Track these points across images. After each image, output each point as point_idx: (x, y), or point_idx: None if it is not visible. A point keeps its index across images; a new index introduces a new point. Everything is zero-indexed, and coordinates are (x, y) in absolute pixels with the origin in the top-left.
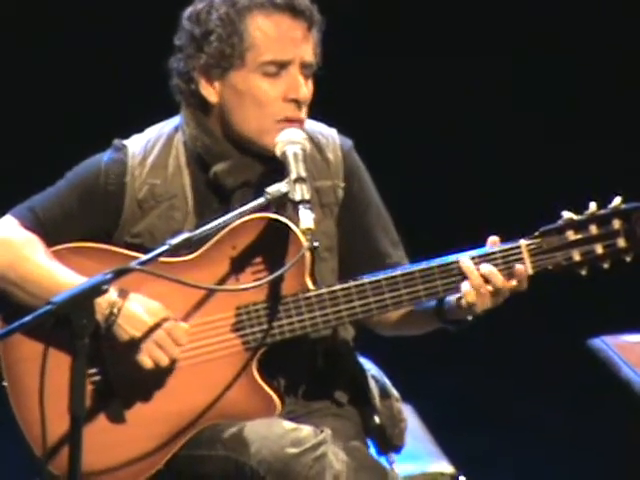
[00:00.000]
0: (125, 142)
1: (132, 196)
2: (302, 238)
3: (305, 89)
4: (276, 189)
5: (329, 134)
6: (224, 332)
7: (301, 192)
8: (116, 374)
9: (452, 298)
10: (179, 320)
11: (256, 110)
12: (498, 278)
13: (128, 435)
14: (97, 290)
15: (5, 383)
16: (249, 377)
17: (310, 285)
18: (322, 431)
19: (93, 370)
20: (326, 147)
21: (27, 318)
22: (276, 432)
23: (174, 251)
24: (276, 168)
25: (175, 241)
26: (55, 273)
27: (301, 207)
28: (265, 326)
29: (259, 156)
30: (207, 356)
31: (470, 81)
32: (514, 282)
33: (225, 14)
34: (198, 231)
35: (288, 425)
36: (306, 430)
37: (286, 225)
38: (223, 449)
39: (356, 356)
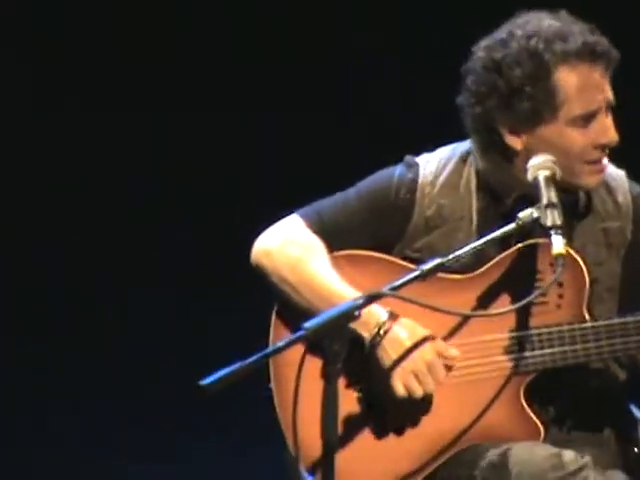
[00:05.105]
0: (417, 160)
1: (420, 213)
2: (583, 268)
3: (614, 132)
4: (528, 214)
5: (619, 176)
6: (494, 354)
7: (552, 218)
8: (379, 390)
9: None
10: (447, 336)
11: (564, 157)
12: None
13: (387, 450)
14: (349, 316)
15: (271, 385)
16: (515, 401)
17: (587, 316)
18: (583, 457)
19: (359, 382)
20: (616, 189)
21: (281, 344)
22: (538, 455)
23: (426, 277)
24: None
25: (427, 267)
26: (332, 283)
27: (552, 232)
28: (538, 352)
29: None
30: (473, 376)
31: None
32: None
33: (533, 71)
34: (450, 256)
35: (550, 449)
36: (568, 455)
37: (569, 254)
38: (483, 471)
39: (626, 399)
